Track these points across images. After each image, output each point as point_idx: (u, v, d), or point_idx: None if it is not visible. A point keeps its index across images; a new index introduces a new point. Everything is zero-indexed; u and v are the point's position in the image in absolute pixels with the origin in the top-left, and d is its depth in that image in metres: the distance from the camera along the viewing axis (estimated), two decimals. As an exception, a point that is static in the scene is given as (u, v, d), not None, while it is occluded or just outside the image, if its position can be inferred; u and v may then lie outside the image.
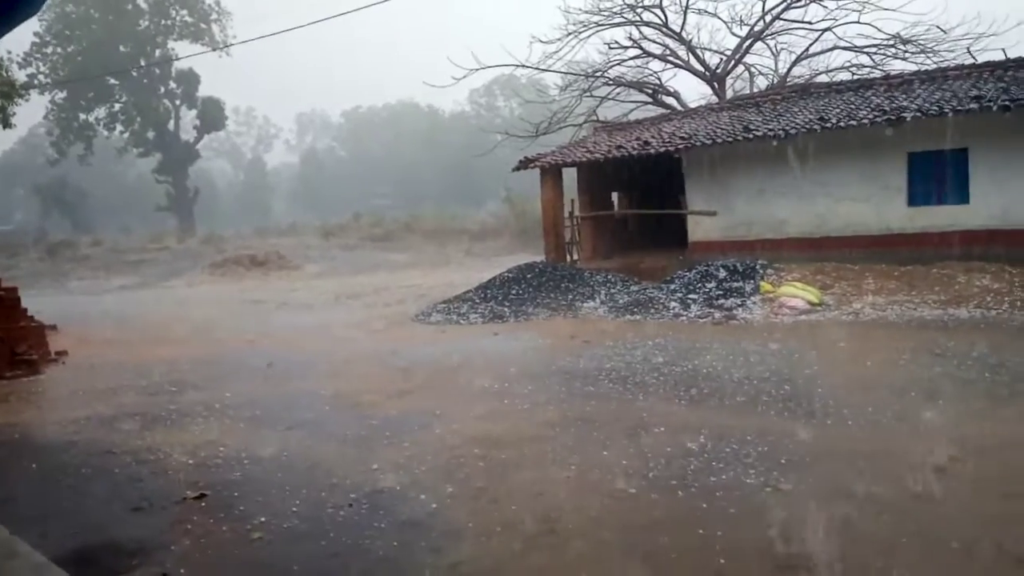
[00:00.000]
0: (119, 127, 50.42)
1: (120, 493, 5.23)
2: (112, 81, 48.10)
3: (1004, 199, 11.91)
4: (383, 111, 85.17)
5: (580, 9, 23.77)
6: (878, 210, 13.06)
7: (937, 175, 12.62)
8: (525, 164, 17.41)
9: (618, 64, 24.45)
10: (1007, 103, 11.26)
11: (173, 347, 11.59)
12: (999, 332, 8.95)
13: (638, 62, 24.64)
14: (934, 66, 18.10)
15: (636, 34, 24.07)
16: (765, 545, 3.88)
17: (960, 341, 8.49)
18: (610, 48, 24.23)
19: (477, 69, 23.55)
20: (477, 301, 14.01)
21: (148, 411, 7.50)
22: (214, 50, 47.04)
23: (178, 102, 51.53)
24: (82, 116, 48.84)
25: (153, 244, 37.51)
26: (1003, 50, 15.99)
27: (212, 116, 51.78)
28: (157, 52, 49.47)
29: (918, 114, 12.00)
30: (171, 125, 51.32)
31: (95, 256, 34.71)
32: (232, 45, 47.65)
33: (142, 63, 48.47)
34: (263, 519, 4.53)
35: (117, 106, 49.75)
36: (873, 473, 4.80)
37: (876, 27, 21.37)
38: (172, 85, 51.00)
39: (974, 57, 18.50)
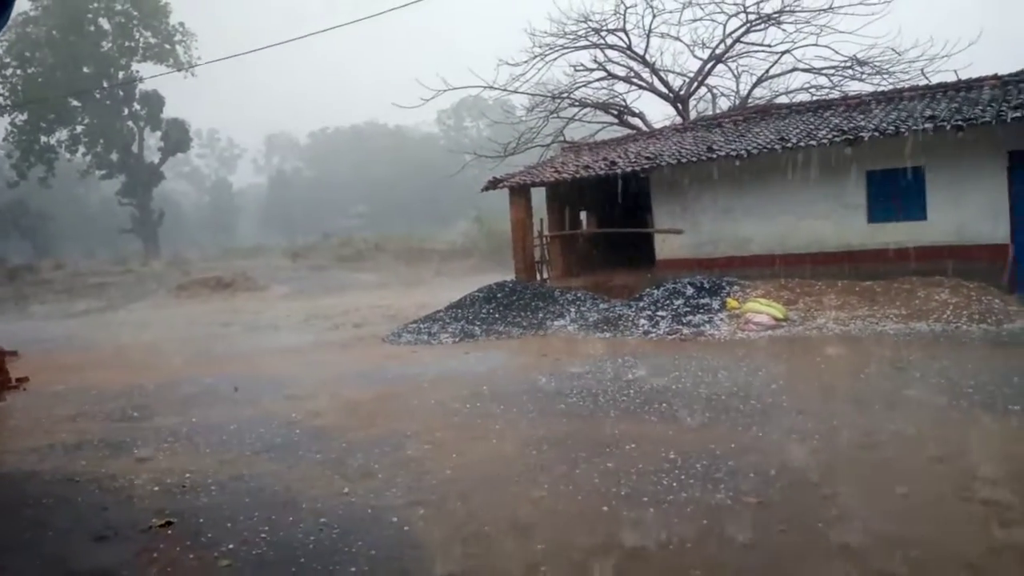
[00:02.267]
0: (81, 149, 49.63)
1: (83, 523, 5.11)
2: (74, 103, 47.41)
3: (959, 215, 12.27)
4: (350, 132, 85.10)
5: (546, 32, 24.04)
6: (839, 227, 13.36)
7: (895, 193, 12.95)
8: (494, 184, 17.51)
9: (584, 86, 24.76)
10: (959, 123, 11.62)
11: (137, 372, 11.38)
12: (959, 345, 9.18)
13: (604, 84, 24.97)
14: (890, 87, 18.64)
15: (601, 57, 24.44)
16: (738, 558, 3.92)
17: (922, 354, 8.69)
18: (576, 70, 24.55)
19: (445, 90, 23.69)
20: (448, 321, 14.00)
21: (112, 438, 7.35)
22: (178, 71, 46.68)
23: (142, 124, 50.91)
24: (43, 138, 47.95)
25: (117, 267, 36.85)
26: (955, 71, 16.54)
27: (177, 138, 51.24)
28: (120, 74, 48.90)
29: (875, 134, 12.33)
30: (135, 147, 50.65)
31: (57, 280, 33.97)
32: (197, 66, 47.35)
33: (105, 84, 47.86)
34: (231, 546, 4.46)
35: (79, 128, 48.98)
36: (836, 485, 4.89)
37: (834, 49, 21.98)
38: (136, 107, 50.40)
39: (927, 78, 19.09)
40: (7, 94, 46.05)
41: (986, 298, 10.92)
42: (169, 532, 4.77)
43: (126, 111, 50.20)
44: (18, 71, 46.24)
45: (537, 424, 6.97)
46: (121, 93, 49.20)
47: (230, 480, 5.76)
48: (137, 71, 49.31)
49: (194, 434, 7.30)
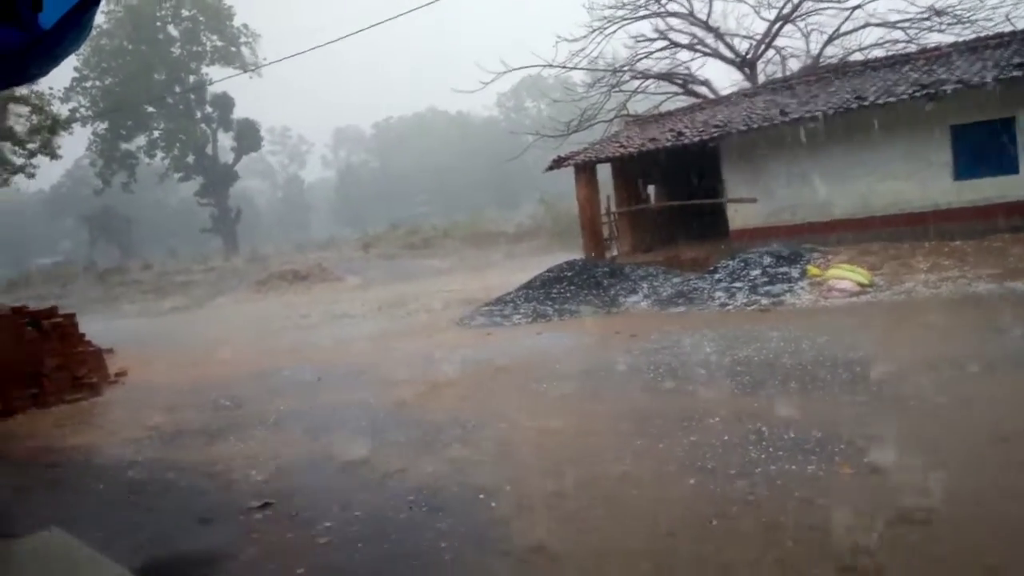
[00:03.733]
0: (159, 153, 51.74)
1: (186, 506, 5.37)
2: (150, 109, 49.38)
3: (1056, 166, 11.56)
4: (413, 120, 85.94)
5: (604, 5, 23.56)
6: (923, 186, 12.74)
7: (983, 147, 12.26)
8: (558, 163, 17.39)
9: (645, 57, 24.25)
10: (1053, 67, 10.92)
11: (226, 365, 11.84)
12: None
13: (666, 53, 24.41)
14: (972, 36, 17.58)
15: (662, 25, 23.89)
16: (829, 529, 3.82)
17: (1019, 315, 8.23)
18: (637, 41, 24.06)
19: (504, 72, 23.63)
20: (519, 302, 14.03)
21: (208, 427, 7.68)
22: (245, 71, 48.00)
23: (214, 125, 52.67)
24: (123, 145, 50.21)
25: (199, 265, 38.38)
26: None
27: (248, 137, 52.82)
28: (191, 78, 50.66)
29: (959, 85, 11.68)
30: (209, 148, 52.48)
31: (145, 280, 35.64)
32: (263, 66, 48.57)
33: (177, 89, 49.67)
34: (328, 524, 4.61)
35: (156, 133, 51.06)
36: (935, 453, 4.70)
37: (909, 0, 20.87)
38: (208, 109, 52.16)
39: (1013, 24, 17.94)
40: (88, 105, 48.33)
41: (1089, 253, 10.27)
42: (268, 513, 4.96)
43: (199, 114, 52.02)
44: (97, 82, 48.43)
45: (617, 401, 6.93)
46: (193, 97, 51.00)
47: (322, 463, 5.95)
48: (206, 74, 51.07)
49: (283, 421, 7.56)
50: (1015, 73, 11.27)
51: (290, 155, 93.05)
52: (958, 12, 20.18)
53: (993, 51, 13.25)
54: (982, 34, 17.36)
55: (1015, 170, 11.98)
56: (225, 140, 54.75)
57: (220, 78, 49.25)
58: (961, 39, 17.18)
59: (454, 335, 12.43)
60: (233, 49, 50.28)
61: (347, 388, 8.93)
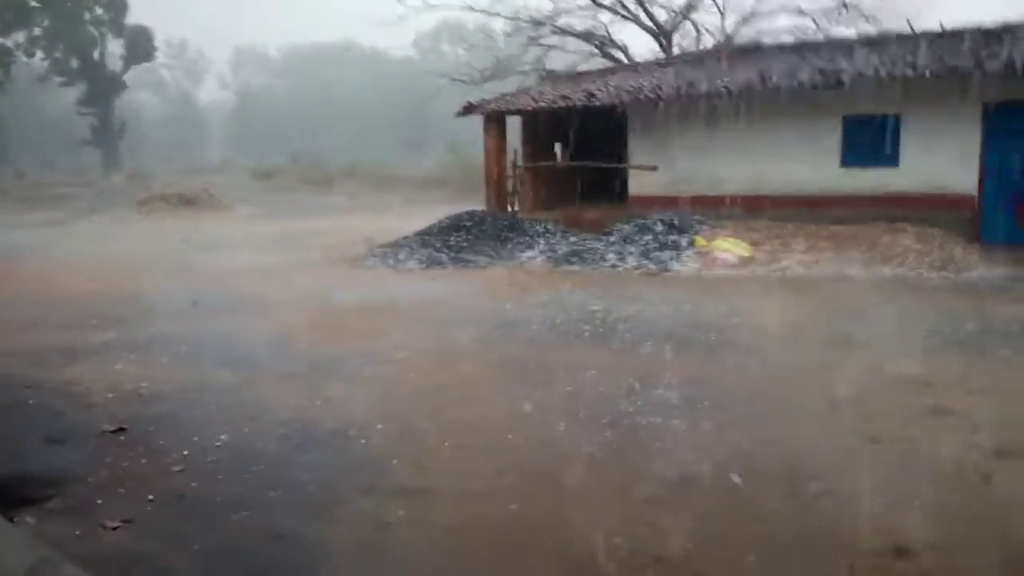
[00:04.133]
0: (40, 53, 47.39)
1: (38, 426, 5.06)
2: (33, 3, 44.96)
3: (931, 164, 12.31)
4: (325, 50, 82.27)
5: (531, -45, 23.23)
6: (813, 170, 13.34)
7: (870, 139, 12.92)
8: (469, 110, 17.12)
9: (567, 13, 24.13)
10: (940, 71, 11.56)
11: (96, 283, 11.13)
12: (917, 290, 9.35)
13: (587, 12, 24.36)
14: (875, 33, 18.41)
15: (586, -18, 23.74)
16: (684, 474, 4.02)
17: (877, 298, 8.84)
18: (560, -6, 23.84)
19: (423, 9, 22.94)
20: (415, 247, 13.85)
21: (69, 346, 7.21)
22: (144, -25, 44.41)
23: (104, 29, 48.62)
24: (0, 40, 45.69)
25: (77, 179, 35.69)
26: (940, 21, 16.36)
27: (140, 46, 49.15)
28: (81, -27, 46.44)
29: (856, 76, 12.22)
30: (96, 54, 48.49)
31: (15, 190, 32.88)
32: (163, -29, 45.04)
33: (65, -15, 45.45)
34: (185, 452, 4.44)
35: (37, 31, 46.62)
36: (784, 413, 5.01)
37: (821, -9, 21.62)
38: (98, 11, 48.02)
39: (912, 26, 18.90)
40: (-40, -10, 43.55)
41: (949, 246, 11.08)
42: (122, 438, 4.73)
43: (87, 15, 47.82)
44: (-28, -34, 43.64)
45: (500, 349, 6.99)
46: (82, -6, 46.83)
47: (188, 391, 5.71)
48: (99, -29, 46.86)
49: (152, 345, 7.19)
50: (907, 71, 11.88)
51: (186, 71, 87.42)
52: (865, 9, 21.13)
53: (891, 48, 13.89)
54: (884, 32, 18.22)
55: (896, 163, 12.71)
56: (115, 47, 50.75)
57: (113, -23, 45.33)
58: (865, 34, 17.95)
59: (344, 274, 12.16)
60: (132, -52, 46.35)
61: (224, 317, 8.57)
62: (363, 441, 4.60)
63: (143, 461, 4.36)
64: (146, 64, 56.10)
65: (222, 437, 4.68)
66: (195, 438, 4.69)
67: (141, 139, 63.18)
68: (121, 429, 4.85)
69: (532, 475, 4.12)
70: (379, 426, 4.87)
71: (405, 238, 14.39)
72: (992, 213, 11.97)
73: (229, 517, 3.64)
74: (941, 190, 12.22)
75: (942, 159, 12.22)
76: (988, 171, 12.00)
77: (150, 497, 3.88)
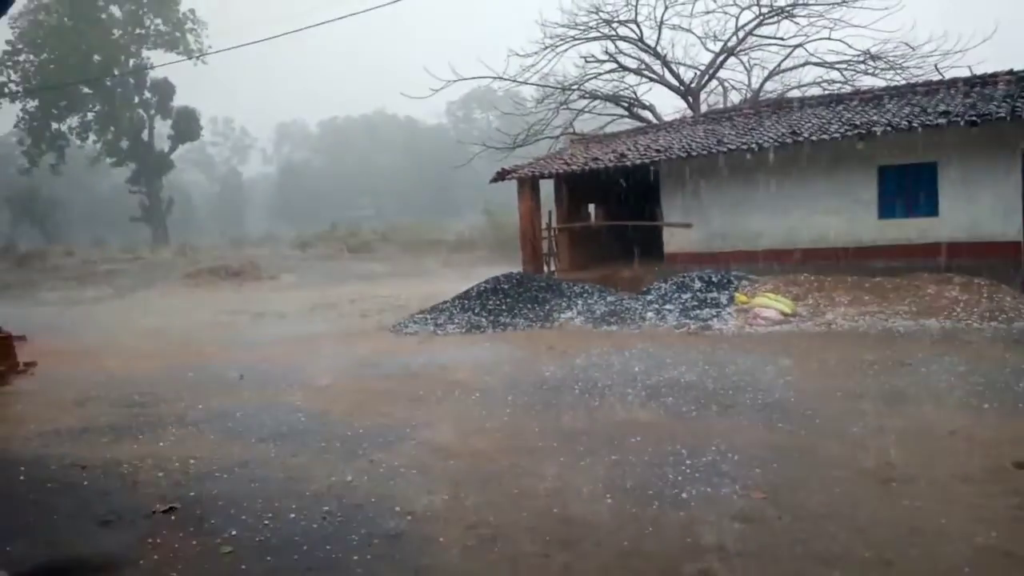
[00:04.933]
0: (92, 136, 49.79)
1: (88, 507, 5.12)
2: (85, 90, 47.51)
3: (972, 212, 12.16)
4: (360, 121, 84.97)
5: (557, 23, 23.86)
6: (850, 222, 13.26)
7: (907, 188, 12.85)
8: (502, 176, 17.45)
9: (594, 77, 24.65)
10: (974, 118, 11.50)
11: (145, 359, 11.41)
12: (968, 343, 9.10)
13: (614, 76, 24.85)
14: (903, 82, 18.45)
15: (612, 48, 24.30)
16: (739, 550, 3.90)
17: (930, 351, 8.62)
18: (587, 62, 24.43)
19: (454, 81, 23.65)
20: (455, 312, 13.97)
21: (118, 424, 7.37)
22: (189, 59, 46.69)
23: (152, 112, 51.01)
24: (54, 125, 48.13)
25: (126, 255, 36.97)
26: (969, 67, 16.34)
27: (187, 126, 51.30)
28: (131, 61, 48.97)
29: (888, 128, 12.21)
30: (145, 135, 50.77)
31: (67, 267, 34.13)
32: (207, 54, 47.34)
33: (115, 72, 47.93)
34: (234, 532, 4.46)
35: (90, 115, 49.11)
36: (839, 478, 4.85)
37: (847, 43, 21.78)
38: (147, 95, 50.52)
39: (941, 73, 18.89)
40: (19, 80, 46.19)
41: (997, 295, 10.82)
42: (172, 518, 4.77)
43: (136, 99, 50.30)
44: (30, 57, 46.35)
45: (543, 416, 6.94)
46: (132, 81, 49.31)
47: (235, 467, 5.76)
48: (147, 58, 49.41)
49: (199, 421, 7.31)
50: (940, 120, 11.84)
51: (231, 148, 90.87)
52: (891, 58, 21.20)
53: (921, 97, 13.90)
54: (912, 80, 18.24)
55: (935, 212, 12.57)
56: (163, 128, 53.11)
57: (161, 63, 47.72)
58: (892, 84, 18.00)
59: (385, 341, 12.29)
60: (177, 34, 48.82)
61: (270, 390, 8.70)
62: (410, 518, 4.57)
63: (193, 542, 4.38)
64: (193, 143, 58.44)
65: (269, 515, 4.69)
66: (243, 517, 4.71)
67: (188, 214, 65.48)
68: (171, 508, 4.90)
69: (581, 554, 4.04)
70: (424, 501, 4.84)
71: (444, 303, 14.53)
72: (1039, 259, 11.69)
73: (277, 601, 3.62)
74: (984, 238, 12.02)
75: (983, 206, 12.05)
76: (1032, 217, 11.77)
77: (200, 582, 3.89)
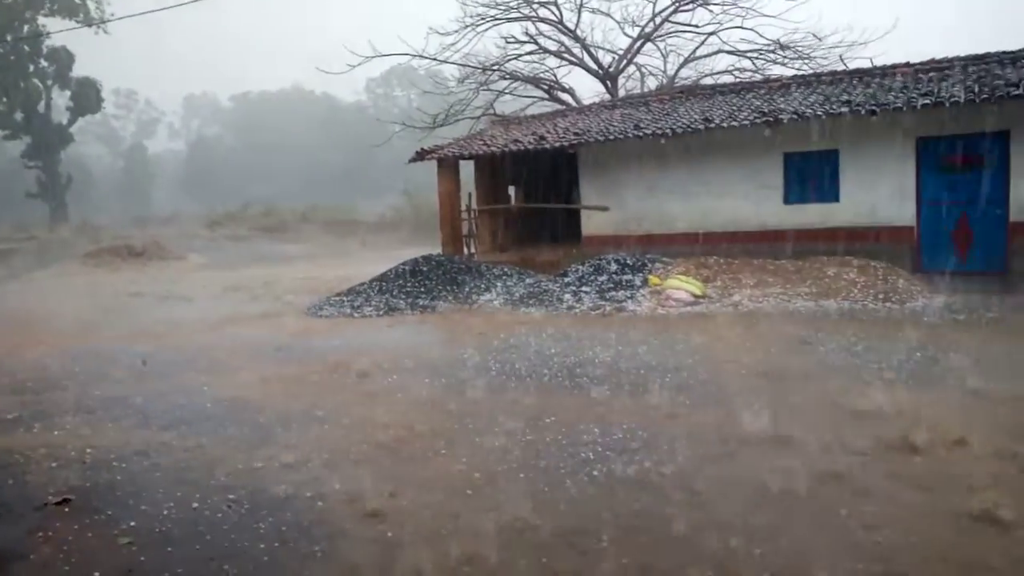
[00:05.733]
0: (-18, 107, 46.40)
1: (-27, 501, 4.83)
2: (-27, 57, 44.19)
3: (870, 198, 12.78)
4: (275, 97, 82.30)
5: (478, 2, 23.65)
6: (757, 207, 13.73)
7: (811, 174, 13.39)
8: (422, 155, 17.26)
9: (515, 59, 24.58)
10: (874, 108, 12.06)
11: (38, 343, 10.78)
12: (864, 322, 9.60)
13: (534, 57, 24.86)
14: (810, 71, 19.17)
15: (533, 30, 24.29)
16: (654, 527, 4.00)
17: (828, 331, 9.05)
18: (507, 42, 24.33)
19: (372, 57, 23.22)
20: (372, 294, 13.77)
21: (8, 412, 6.95)
22: (89, 26, 43.96)
23: (49, 82, 47.88)
24: (-60, 94, 44.63)
25: (20, 233, 34.77)
26: (871, 59, 17.17)
27: (87, 97, 48.44)
28: (25, 28, 45.73)
29: (794, 116, 12.67)
30: (41, 106, 47.64)
31: (-48, 246, 31.84)
32: (109, 21, 44.71)
33: (8, 38, 44.68)
34: (133, 523, 4.29)
35: (-21, 85, 45.73)
36: (741, 452, 5.05)
37: (758, 32, 22.47)
38: (43, 64, 47.33)
39: (845, 64, 19.77)
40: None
41: (892, 278, 11.44)
42: (66, 510, 4.55)
43: (32, 68, 47.09)
44: (-90, 20, 42.73)
45: (459, 398, 6.94)
46: (26, 48, 46.03)
47: (135, 456, 5.53)
48: (44, 25, 46.20)
49: (97, 409, 6.97)
50: (842, 110, 12.36)
51: (136, 121, 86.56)
52: (800, 48, 22.00)
53: (826, 87, 14.46)
54: (818, 70, 18.98)
55: (836, 198, 13.15)
56: (61, 99, 50.00)
57: (59, 30, 44.75)
58: (800, 73, 18.69)
59: (300, 324, 12.01)
60: (77, 1, 45.88)
61: (175, 375, 8.37)
62: (319, 504, 4.50)
63: (89, 535, 4.19)
64: (94, 115, 55.32)
65: (171, 505, 4.53)
66: (143, 507, 4.53)
67: (90, 191, 62.04)
68: (66, 500, 4.66)
69: (492, 535, 4.06)
70: (335, 486, 4.77)
71: (361, 285, 14.31)
72: (930, 244, 12.42)
73: (178, 594, 3.51)
74: (881, 222, 12.66)
75: (881, 193, 12.68)
76: (924, 203, 12.47)
77: (96, 574, 3.72)
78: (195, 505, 4.53)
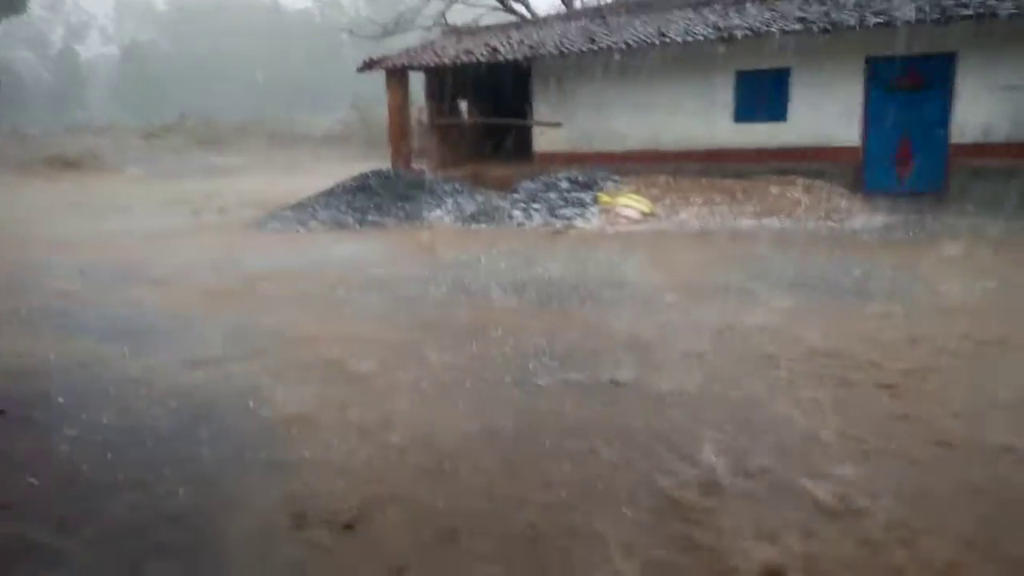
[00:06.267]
0: None
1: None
2: None
3: (818, 117, 12.88)
4: (215, 1, 77.83)
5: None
6: (708, 125, 13.74)
7: (762, 93, 13.38)
8: (370, 65, 16.66)
9: (468, -35, 23.66)
10: (827, 26, 12.02)
11: (-32, 256, 10.36)
12: (804, 240, 9.82)
13: (489, -36, 23.95)
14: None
15: (487, -66, 23.31)
16: (596, 428, 4.13)
17: (769, 248, 9.26)
18: (460, -53, 23.34)
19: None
20: (319, 209, 13.50)
21: (-64, 325, 6.72)
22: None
23: (-35, -22, 44.36)
24: None
25: (-58, 142, 32.83)
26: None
27: (9, -4, 45.08)
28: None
29: (748, 33, 12.56)
30: (-43, 4, 44.26)
31: None
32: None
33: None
34: (72, 433, 4.23)
35: None
36: (681, 362, 5.22)
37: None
38: (-44, -44, 43.71)
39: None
40: None
41: (834, 197, 11.68)
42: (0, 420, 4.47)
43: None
44: None
45: (408, 313, 6.95)
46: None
47: (73, 367, 5.42)
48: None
49: (33, 320, 6.78)
50: (796, 27, 12.29)
51: (65, 24, 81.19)
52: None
53: (782, 3, 14.30)
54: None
55: (784, 118, 13.22)
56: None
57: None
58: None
59: (244, 238, 11.75)
60: None
61: (113, 287, 8.15)
62: (264, 414, 4.50)
63: (24, 445, 4.14)
64: (18, 17, 51.62)
65: (111, 414, 4.49)
66: (83, 416, 4.47)
67: (18, 98, 58.46)
68: (1, 412, 4.57)
69: (434, 442, 4.14)
70: (280, 397, 4.77)
71: (308, 199, 14.01)
72: (874, 164, 12.67)
73: (120, 499, 3.50)
74: (827, 143, 12.82)
75: (828, 113, 12.79)
76: (870, 123, 12.63)
77: (33, 482, 3.69)
78: (136, 415, 4.49)
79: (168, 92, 62.97)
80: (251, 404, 4.64)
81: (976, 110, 11.82)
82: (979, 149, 11.87)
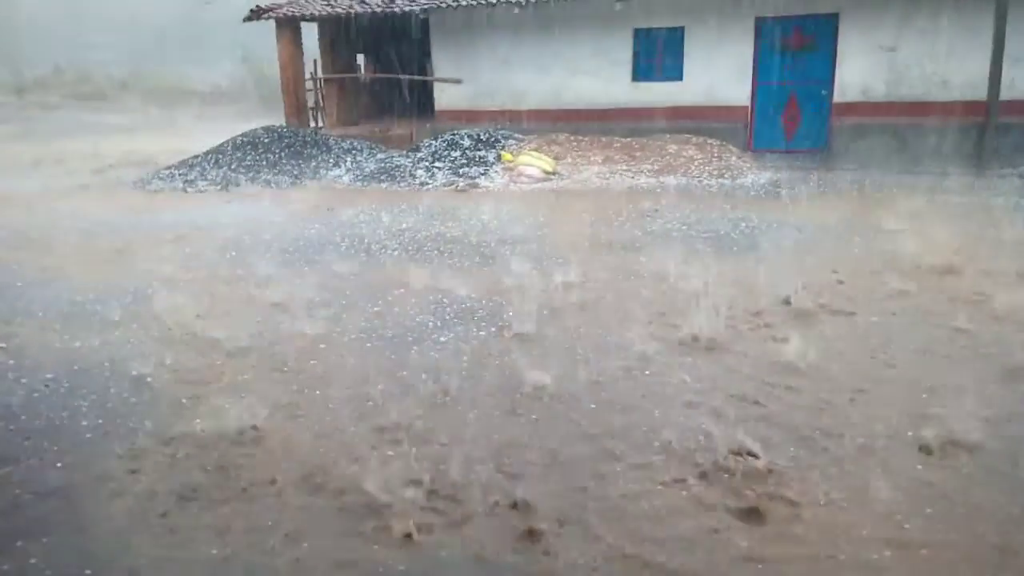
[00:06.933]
0: None
1: None
2: None
3: (711, 77, 13.19)
4: (86, -56, 71.92)
5: None
6: (606, 84, 13.84)
7: (658, 52, 13.58)
8: (258, 14, 15.80)
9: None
10: (718, -15, 12.28)
11: None
12: (699, 197, 10.12)
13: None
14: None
15: None
16: (494, 382, 4.15)
17: (665, 204, 9.49)
18: None
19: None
20: (207, 167, 12.84)
21: None
22: None
23: None
24: None
25: None
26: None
27: None
28: None
29: (645, -10, 12.68)
30: None
31: None
32: None
33: None
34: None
35: None
36: (574, 312, 5.31)
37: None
38: None
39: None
40: None
41: (726, 155, 12.05)
42: None
43: None
44: None
45: (305, 273, 6.74)
46: None
47: (-69, 338, 4.99)
48: None
49: None
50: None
51: (-91, -36, 73.12)
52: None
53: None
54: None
55: (680, 77, 13.48)
56: None
57: None
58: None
59: (126, 199, 11.05)
60: None
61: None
62: (148, 380, 4.29)
63: None
64: None
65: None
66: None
67: None
68: None
69: (335, 401, 4.06)
70: (168, 361, 4.56)
71: (195, 157, 13.31)
72: (763, 123, 13.13)
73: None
74: (720, 102, 13.18)
75: (721, 72, 13.12)
76: (760, 83, 13.06)
77: None
78: (7, 386, 4.19)
79: (39, 43, 58.02)
80: (133, 372, 4.40)
81: (856, 70, 12.39)
82: (859, 107, 12.49)
